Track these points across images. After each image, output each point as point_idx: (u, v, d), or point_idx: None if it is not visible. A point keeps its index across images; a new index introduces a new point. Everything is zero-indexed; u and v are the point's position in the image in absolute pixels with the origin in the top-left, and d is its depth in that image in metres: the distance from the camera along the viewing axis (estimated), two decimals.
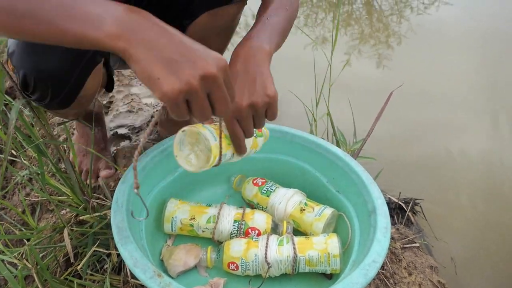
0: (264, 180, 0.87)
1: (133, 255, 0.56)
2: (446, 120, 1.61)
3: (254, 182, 0.87)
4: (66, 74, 0.65)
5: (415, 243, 0.99)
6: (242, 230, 0.77)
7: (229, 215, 0.78)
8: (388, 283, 0.83)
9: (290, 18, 0.71)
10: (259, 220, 0.77)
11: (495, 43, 2.30)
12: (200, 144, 0.61)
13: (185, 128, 0.60)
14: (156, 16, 0.79)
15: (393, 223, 1.09)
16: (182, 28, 0.80)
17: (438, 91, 1.81)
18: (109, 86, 0.86)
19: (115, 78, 1.48)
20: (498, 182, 1.32)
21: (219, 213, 0.77)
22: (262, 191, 0.84)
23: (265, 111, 0.60)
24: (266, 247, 0.70)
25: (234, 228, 0.76)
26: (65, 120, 0.83)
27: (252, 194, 0.85)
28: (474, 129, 1.57)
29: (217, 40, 0.84)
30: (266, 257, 0.69)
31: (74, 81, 0.67)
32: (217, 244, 0.77)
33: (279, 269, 0.70)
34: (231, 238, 0.76)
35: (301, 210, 0.80)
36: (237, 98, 0.58)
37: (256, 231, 0.76)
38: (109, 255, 0.79)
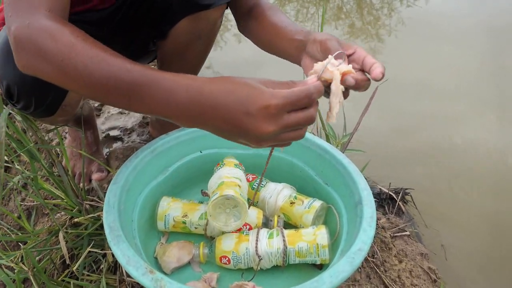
0: (254, 176, 0.89)
1: (126, 253, 0.58)
2: (436, 111, 1.63)
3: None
4: (48, 84, 0.66)
5: (406, 231, 1.01)
6: None
7: None
8: (378, 271, 0.85)
9: None
10: (250, 215, 0.79)
11: (486, 34, 2.32)
12: (231, 207, 0.72)
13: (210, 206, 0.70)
14: (136, 22, 0.81)
15: (384, 213, 1.11)
16: (163, 34, 0.81)
17: (429, 83, 1.83)
18: None
19: None
20: (487, 171, 1.34)
21: None
22: (253, 186, 0.86)
23: None
24: (257, 240, 0.72)
25: None
26: (55, 126, 0.84)
27: None
28: (463, 120, 1.59)
29: (199, 45, 0.84)
30: (256, 250, 0.71)
31: (56, 90, 0.66)
32: (210, 240, 0.79)
33: (270, 261, 0.72)
34: (223, 233, 0.78)
35: (291, 203, 0.81)
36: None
37: (248, 226, 0.78)
38: (104, 255, 0.80)
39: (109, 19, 0.77)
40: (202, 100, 0.48)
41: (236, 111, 0.47)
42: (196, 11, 0.74)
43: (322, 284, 0.55)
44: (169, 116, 0.49)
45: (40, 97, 0.67)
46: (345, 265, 0.58)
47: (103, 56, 0.48)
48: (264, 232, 0.74)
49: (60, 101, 0.71)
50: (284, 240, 0.72)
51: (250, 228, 0.78)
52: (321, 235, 0.72)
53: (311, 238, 0.72)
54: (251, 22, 0.80)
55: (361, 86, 0.57)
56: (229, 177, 0.75)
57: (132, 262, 0.57)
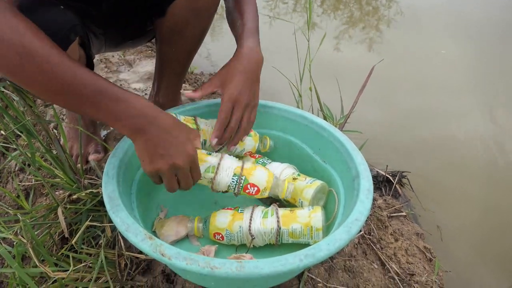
0: (260, 156, 0.89)
1: (125, 221, 0.58)
2: (434, 104, 1.65)
3: (251, 155, 0.89)
4: None
5: (402, 212, 1.02)
6: (241, 185, 0.73)
7: (229, 168, 0.74)
8: (374, 248, 0.86)
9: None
10: (260, 176, 0.73)
11: (486, 26, 2.32)
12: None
13: None
14: (136, 3, 0.79)
15: (381, 195, 1.12)
16: (161, 11, 0.80)
17: (428, 75, 1.84)
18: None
19: (103, 65, 1.49)
20: (481, 160, 1.37)
21: (219, 164, 0.74)
22: (258, 162, 0.86)
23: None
24: (251, 219, 0.72)
25: (232, 182, 0.73)
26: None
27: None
28: (462, 110, 1.61)
29: (198, 22, 0.83)
30: (250, 230, 0.71)
31: None
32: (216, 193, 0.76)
33: (263, 240, 0.72)
34: (229, 190, 0.74)
35: (293, 179, 0.81)
36: (237, 93, 0.72)
37: (255, 188, 0.73)
38: (103, 230, 0.81)
39: None
40: (148, 114, 0.59)
41: (166, 133, 0.60)
42: None
43: (319, 251, 0.56)
44: (116, 125, 0.58)
45: None
46: (342, 233, 0.59)
47: (69, 62, 0.54)
48: (258, 211, 0.74)
49: None
50: (278, 221, 0.71)
51: (258, 191, 0.73)
52: (316, 217, 0.71)
53: (305, 220, 0.71)
54: (227, 2, 0.85)
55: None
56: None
57: (131, 229, 0.57)
